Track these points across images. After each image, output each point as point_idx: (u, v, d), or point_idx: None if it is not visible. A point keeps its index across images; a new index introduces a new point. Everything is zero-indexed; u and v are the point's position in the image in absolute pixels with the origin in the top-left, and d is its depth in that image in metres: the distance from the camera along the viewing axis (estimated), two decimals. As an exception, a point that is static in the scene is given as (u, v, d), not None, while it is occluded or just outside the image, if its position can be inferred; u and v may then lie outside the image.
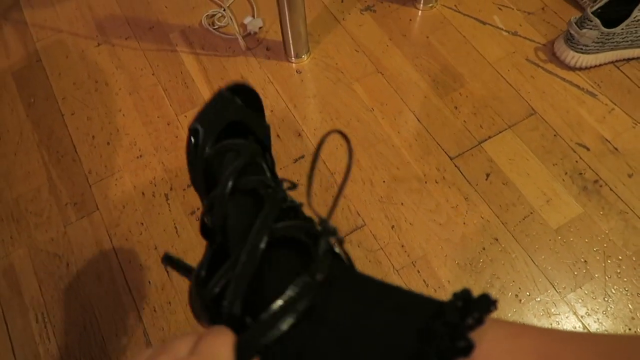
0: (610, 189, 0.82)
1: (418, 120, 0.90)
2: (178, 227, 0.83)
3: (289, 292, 0.31)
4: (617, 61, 0.93)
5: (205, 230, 0.44)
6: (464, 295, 0.29)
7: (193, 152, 0.47)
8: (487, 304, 0.29)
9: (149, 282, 0.79)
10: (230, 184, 0.41)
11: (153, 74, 1.00)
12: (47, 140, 0.94)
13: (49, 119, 0.96)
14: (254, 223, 0.36)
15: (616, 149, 0.85)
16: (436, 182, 0.84)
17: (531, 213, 0.80)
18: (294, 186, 0.45)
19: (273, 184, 0.42)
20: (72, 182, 0.89)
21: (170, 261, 0.44)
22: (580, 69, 0.93)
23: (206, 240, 0.43)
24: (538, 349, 0.26)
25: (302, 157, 0.88)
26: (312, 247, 0.35)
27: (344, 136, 0.40)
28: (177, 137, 0.92)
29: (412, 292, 0.32)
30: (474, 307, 0.28)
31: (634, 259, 0.76)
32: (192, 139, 0.47)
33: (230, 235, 0.39)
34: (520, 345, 0.27)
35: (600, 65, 0.93)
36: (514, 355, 0.27)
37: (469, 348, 0.26)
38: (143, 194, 0.87)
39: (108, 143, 0.93)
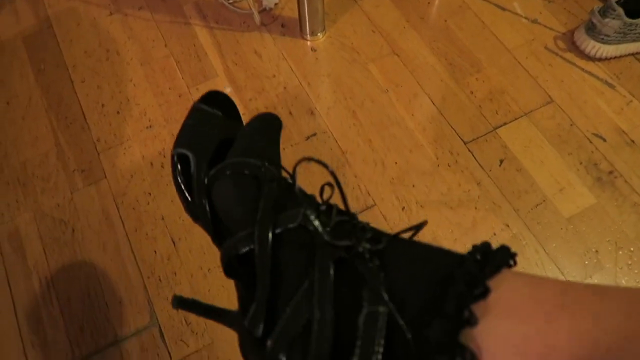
0: (625, 181, 0.81)
1: (433, 103, 0.89)
2: (186, 199, 0.82)
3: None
4: (637, 53, 0.92)
5: (232, 271, 0.39)
6: (483, 248, 0.29)
7: (188, 183, 0.41)
8: (506, 256, 0.28)
9: (155, 252, 0.78)
10: (270, 233, 0.35)
11: (165, 46, 0.99)
12: (56, 106, 0.93)
13: (59, 86, 0.95)
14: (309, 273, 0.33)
15: (633, 141, 0.84)
16: (449, 165, 0.83)
17: (544, 201, 0.79)
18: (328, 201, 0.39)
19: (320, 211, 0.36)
20: (81, 149, 0.88)
21: (183, 304, 0.40)
22: (600, 59, 0.91)
23: (235, 280, 0.38)
24: (559, 297, 0.26)
25: (314, 134, 0.86)
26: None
27: (326, 167, 0.34)
28: (188, 109, 0.90)
29: (433, 245, 0.32)
30: (493, 259, 0.28)
31: (646, 251, 0.75)
32: (179, 166, 0.41)
33: (284, 284, 0.35)
34: (541, 292, 0.27)
35: (620, 56, 0.92)
36: (534, 301, 0.26)
37: (485, 293, 0.25)
38: (152, 164, 0.86)
39: (118, 112, 0.91)
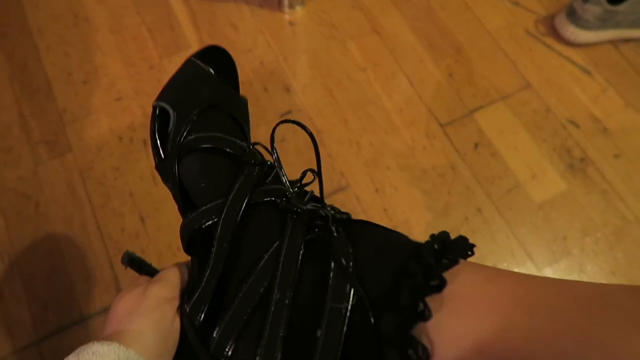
0: (596, 168, 0.81)
1: (411, 84, 0.88)
2: (155, 175, 0.80)
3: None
4: (616, 40, 0.92)
5: (192, 246, 0.38)
6: (441, 237, 0.29)
7: (164, 140, 0.38)
8: (463, 247, 0.29)
9: (122, 229, 0.76)
10: (239, 215, 0.34)
11: (137, 14, 0.95)
12: (20, 73, 0.89)
13: (23, 52, 0.91)
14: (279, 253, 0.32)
15: (606, 129, 0.85)
16: (424, 148, 0.82)
17: (516, 187, 0.80)
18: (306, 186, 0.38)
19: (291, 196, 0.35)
20: (45, 120, 0.84)
21: (132, 262, 0.39)
22: (579, 45, 0.91)
23: (191, 256, 0.37)
24: (514, 291, 0.26)
25: (289, 112, 0.85)
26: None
27: (306, 130, 0.34)
28: (159, 81, 0.88)
29: (393, 232, 0.32)
30: (450, 249, 0.28)
31: (611, 238, 0.76)
32: (157, 122, 0.39)
33: (242, 259, 0.33)
34: (496, 288, 0.27)
35: (599, 43, 0.91)
36: (490, 296, 0.26)
37: (441, 286, 0.25)
38: (120, 138, 0.83)
39: (85, 82, 0.88)
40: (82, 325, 0.71)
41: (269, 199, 0.34)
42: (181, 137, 0.37)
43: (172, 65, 0.89)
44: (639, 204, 0.79)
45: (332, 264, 0.29)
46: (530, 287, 0.26)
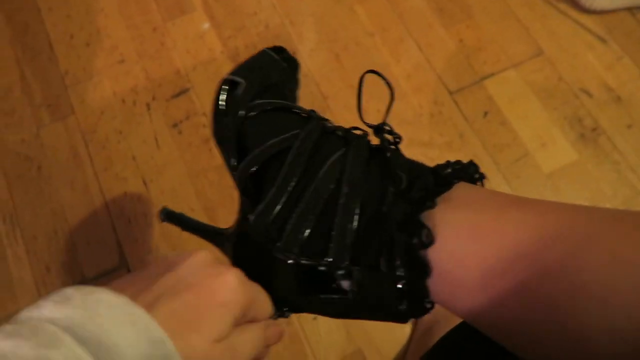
0: (608, 138, 0.80)
1: (420, 49, 0.85)
2: (159, 139, 0.79)
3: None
4: (633, 7, 0.89)
5: (246, 189, 0.39)
6: (457, 163, 0.33)
7: (227, 102, 0.41)
8: (474, 170, 0.33)
9: (125, 192, 0.76)
10: (314, 142, 0.36)
11: (140, -25, 0.92)
12: (21, 35, 0.87)
13: (24, 13, 0.89)
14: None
15: (620, 98, 0.82)
16: (432, 115, 0.81)
17: (525, 155, 0.78)
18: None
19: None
20: (47, 82, 0.83)
21: (171, 217, 0.39)
22: (594, 11, 0.88)
23: (244, 197, 0.38)
24: (512, 198, 0.29)
25: (295, 77, 0.83)
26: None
27: (383, 78, 0.39)
28: (162, 44, 0.86)
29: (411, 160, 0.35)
30: (463, 167, 0.33)
31: (621, 208, 0.75)
32: (226, 90, 0.42)
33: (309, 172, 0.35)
34: (497, 195, 0.30)
35: (615, 10, 0.88)
36: (489, 198, 0.29)
37: (447, 188, 0.30)
38: (123, 101, 0.81)
39: (87, 44, 0.86)
40: (85, 287, 0.70)
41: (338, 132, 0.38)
42: (249, 99, 0.40)
43: (176, 28, 0.87)
44: (650, 176, 0.78)
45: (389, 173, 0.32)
46: (527, 199, 0.29)
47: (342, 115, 0.80)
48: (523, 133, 0.80)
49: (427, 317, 0.69)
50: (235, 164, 0.39)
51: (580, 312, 0.22)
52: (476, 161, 0.77)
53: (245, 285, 0.26)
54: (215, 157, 0.78)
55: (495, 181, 0.76)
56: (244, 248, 0.37)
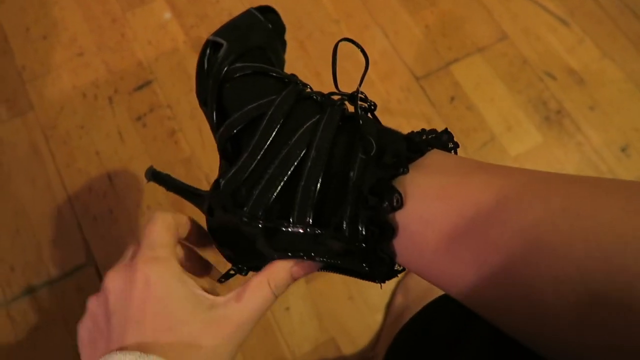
0: (572, 120, 0.81)
1: (386, 36, 0.85)
2: (122, 133, 0.77)
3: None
4: (593, -10, 0.90)
5: (226, 152, 0.39)
6: (432, 130, 0.34)
7: (210, 63, 0.42)
8: (448, 138, 0.34)
9: (89, 188, 0.74)
10: (289, 108, 0.36)
11: (98, -36, 0.89)
12: (-27, 29, 0.84)
13: (-24, 6, 0.85)
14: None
15: (582, 80, 0.84)
16: (399, 102, 0.81)
17: (492, 139, 0.79)
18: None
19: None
20: (4, 78, 0.80)
21: (157, 177, 0.40)
22: (556, -6, 0.89)
23: (226, 159, 0.39)
24: (480, 164, 0.30)
25: (261, 67, 0.82)
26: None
27: (361, 49, 0.39)
28: (123, 36, 0.84)
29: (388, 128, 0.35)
30: (437, 135, 0.34)
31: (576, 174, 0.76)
32: (209, 51, 0.42)
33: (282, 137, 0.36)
34: (466, 161, 0.31)
35: (576, -8, 0.89)
36: (458, 165, 0.30)
37: (419, 155, 0.31)
38: (84, 95, 0.79)
39: (44, 37, 0.83)
40: (50, 286, 0.69)
41: (313, 96, 0.38)
42: (229, 62, 0.40)
43: (136, 19, 0.85)
44: (612, 156, 0.79)
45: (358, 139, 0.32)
46: (498, 165, 0.30)
47: (309, 104, 0.79)
48: (489, 117, 0.81)
49: (398, 303, 0.70)
50: (216, 127, 0.40)
51: (532, 263, 0.23)
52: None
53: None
54: (181, 150, 0.76)
55: (462, 166, 0.77)
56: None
